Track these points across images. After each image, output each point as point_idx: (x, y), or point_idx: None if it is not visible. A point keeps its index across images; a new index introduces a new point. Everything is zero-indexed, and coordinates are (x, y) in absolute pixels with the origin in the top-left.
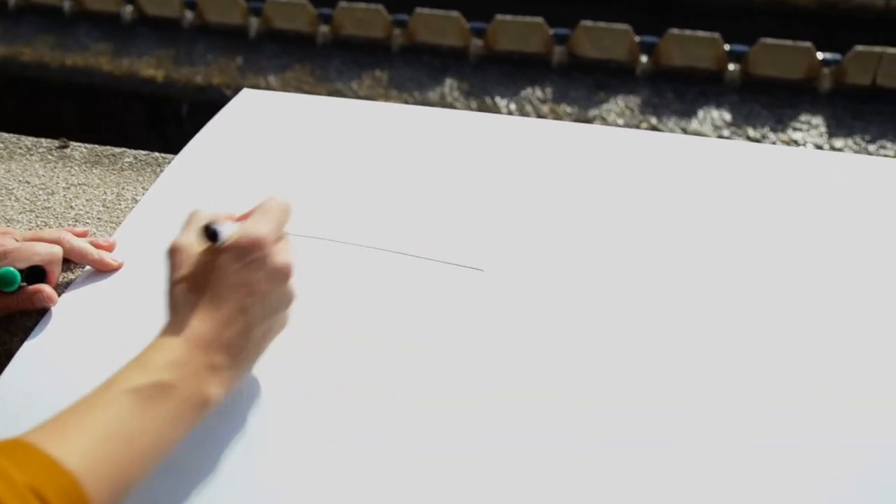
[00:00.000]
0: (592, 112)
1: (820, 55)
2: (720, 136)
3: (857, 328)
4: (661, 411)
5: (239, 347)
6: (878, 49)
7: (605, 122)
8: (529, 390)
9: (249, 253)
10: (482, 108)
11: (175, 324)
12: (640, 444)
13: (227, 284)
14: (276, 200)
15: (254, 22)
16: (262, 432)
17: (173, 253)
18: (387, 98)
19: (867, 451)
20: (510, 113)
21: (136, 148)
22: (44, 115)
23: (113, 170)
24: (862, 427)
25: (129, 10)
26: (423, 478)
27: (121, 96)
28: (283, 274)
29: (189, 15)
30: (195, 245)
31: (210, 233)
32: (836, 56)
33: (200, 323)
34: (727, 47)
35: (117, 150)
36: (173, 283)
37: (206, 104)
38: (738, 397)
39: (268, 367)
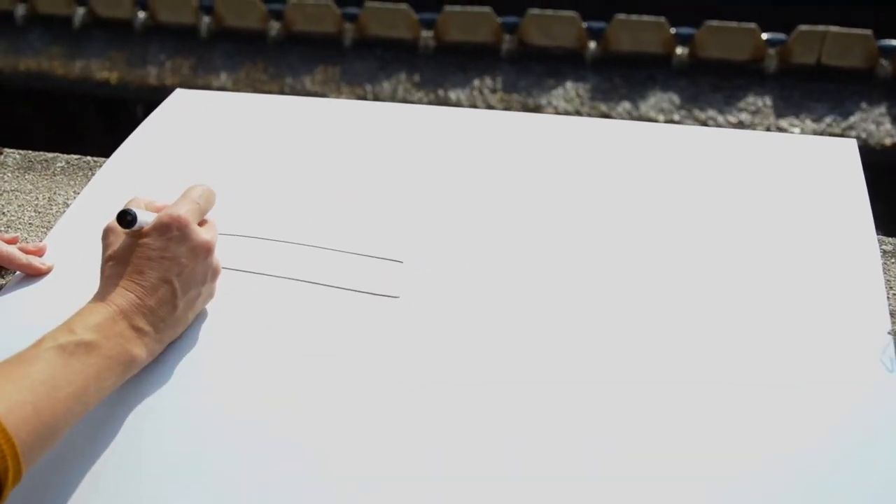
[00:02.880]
0: (543, 100)
1: (765, 35)
2: (670, 120)
3: (804, 303)
4: (620, 393)
5: (162, 315)
6: (821, 28)
7: (555, 109)
8: (445, 384)
9: (169, 230)
10: (433, 99)
11: (101, 294)
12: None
13: (150, 259)
14: (199, 187)
15: (206, 21)
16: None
17: (106, 234)
18: (339, 93)
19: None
20: (460, 103)
21: (91, 152)
22: None
23: (45, 175)
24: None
25: (81, 12)
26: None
27: (75, 100)
28: (203, 249)
29: (141, 15)
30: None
31: (128, 219)
32: (781, 36)
33: (125, 291)
34: (673, 30)
35: (50, 155)
36: (104, 261)
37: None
38: (694, 380)
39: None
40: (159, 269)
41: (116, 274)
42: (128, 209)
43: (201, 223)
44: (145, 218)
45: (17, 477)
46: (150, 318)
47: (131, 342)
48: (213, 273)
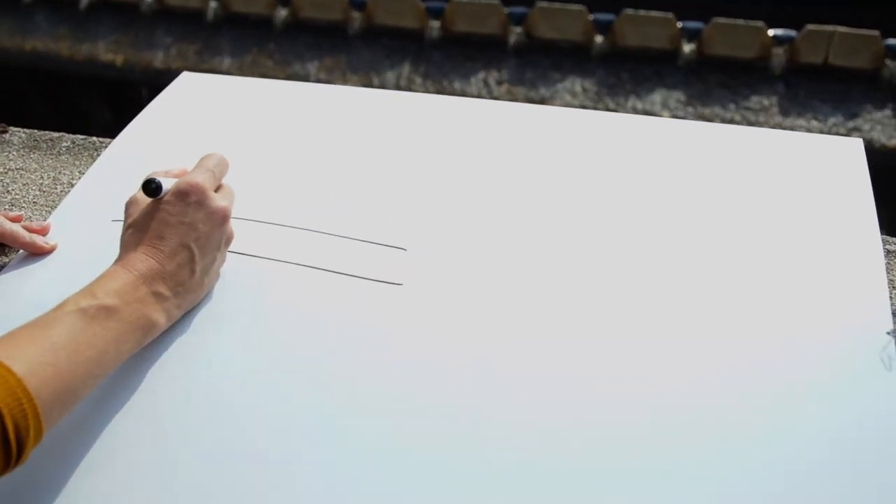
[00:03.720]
0: (548, 93)
1: (772, 32)
2: (675, 116)
3: (807, 301)
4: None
5: (181, 279)
6: (829, 28)
7: (561, 102)
8: (449, 369)
9: (187, 196)
10: (439, 89)
11: (122, 259)
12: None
13: (169, 224)
14: (213, 155)
15: (213, 5)
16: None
17: (127, 206)
18: (344, 81)
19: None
20: (466, 94)
21: (95, 133)
22: (2, 100)
23: (50, 154)
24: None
25: None
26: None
27: (80, 81)
28: (220, 216)
29: None
30: (146, 198)
31: (152, 187)
32: (790, 33)
33: (145, 257)
34: (680, 25)
35: (55, 134)
36: (125, 230)
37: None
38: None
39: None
40: (178, 234)
41: (136, 240)
42: (152, 178)
43: (217, 189)
44: (168, 185)
45: (38, 436)
46: (170, 282)
47: (151, 307)
48: (227, 239)
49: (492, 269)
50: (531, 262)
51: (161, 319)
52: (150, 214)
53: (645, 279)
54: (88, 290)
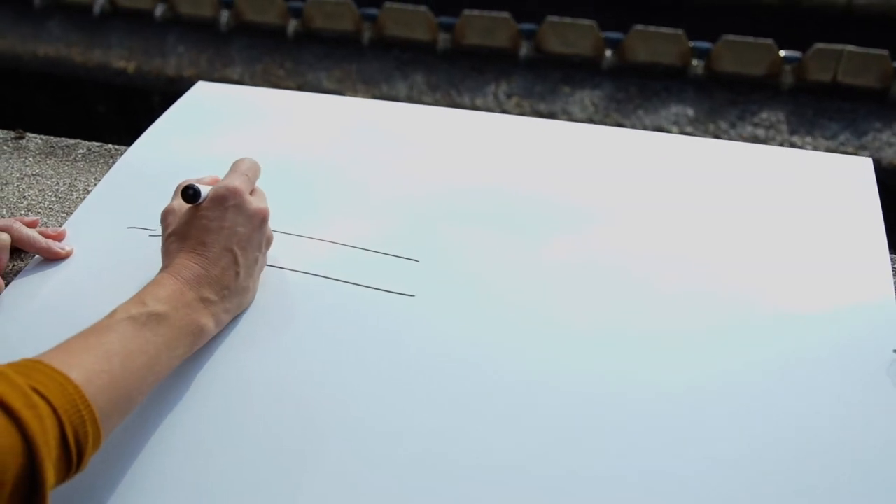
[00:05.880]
0: (558, 106)
1: (782, 53)
2: (683, 132)
3: (816, 319)
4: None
5: (226, 283)
6: (837, 47)
7: (569, 116)
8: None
9: (226, 200)
10: (449, 102)
11: (167, 268)
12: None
13: (210, 230)
14: (245, 160)
15: (225, 14)
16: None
17: (164, 216)
18: (355, 91)
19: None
20: (476, 107)
21: (107, 139)
22: (15, 105)
23: (66, 161)
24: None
25: (101, 0)
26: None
27: (92, 87)
28: (259, 217)
29: (161, 7)
30: (183, 206)
31: (190, 193)
32: (798, 53)
33: (189, 263)
34: (691, 44)
35: (71, 141)
36: (165, 238)
37: (177, 96)
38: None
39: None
40: (220, 238)
41: (179, 248)
42: (190, 184)
43: (251, 192)
44: (206, 192)
45: (97, 444)
46: (216, 287)
47: (199, 312)
48: (268, 241)
49: (502, 281)
50: (540, 275)
51: (210, 324)
52: (190, 222)
53: (653, 294)
54: (137, 298)
